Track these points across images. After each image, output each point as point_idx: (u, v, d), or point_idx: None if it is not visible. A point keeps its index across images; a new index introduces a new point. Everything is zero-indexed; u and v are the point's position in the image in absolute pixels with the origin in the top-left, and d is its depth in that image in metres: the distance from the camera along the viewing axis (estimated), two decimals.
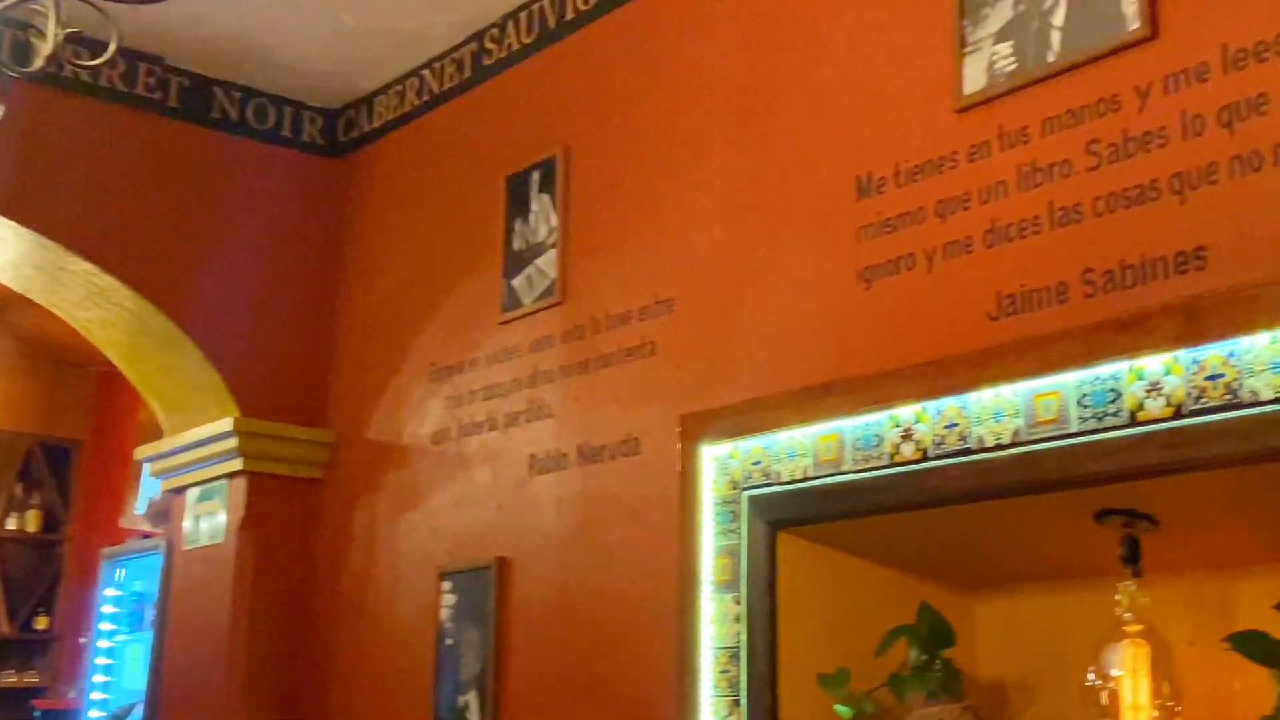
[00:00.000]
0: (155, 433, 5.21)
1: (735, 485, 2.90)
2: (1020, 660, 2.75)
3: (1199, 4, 2.26)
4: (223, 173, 4.45)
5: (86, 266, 4.16)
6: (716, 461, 2.97)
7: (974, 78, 2.59)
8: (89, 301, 4.38)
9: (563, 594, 3.39)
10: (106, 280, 4.20)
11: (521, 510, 3.58)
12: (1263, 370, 2.04)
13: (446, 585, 3.78)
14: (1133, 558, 2.40)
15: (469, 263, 3.96)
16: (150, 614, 5.37)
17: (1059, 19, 2.46)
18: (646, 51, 3.49)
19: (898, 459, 2.56)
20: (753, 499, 2.86)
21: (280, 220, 4.52)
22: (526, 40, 3.91)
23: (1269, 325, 2.03)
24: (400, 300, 4.24)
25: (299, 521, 4.37)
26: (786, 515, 2.79)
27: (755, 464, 2.87)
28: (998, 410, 2.41)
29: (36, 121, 4.05)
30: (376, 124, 4.51)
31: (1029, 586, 2.74)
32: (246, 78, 4.46)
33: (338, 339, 4.50)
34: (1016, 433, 2.37)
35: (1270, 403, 2.02)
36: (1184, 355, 2.14)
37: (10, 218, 4.01)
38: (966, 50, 2.61)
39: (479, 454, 3.78)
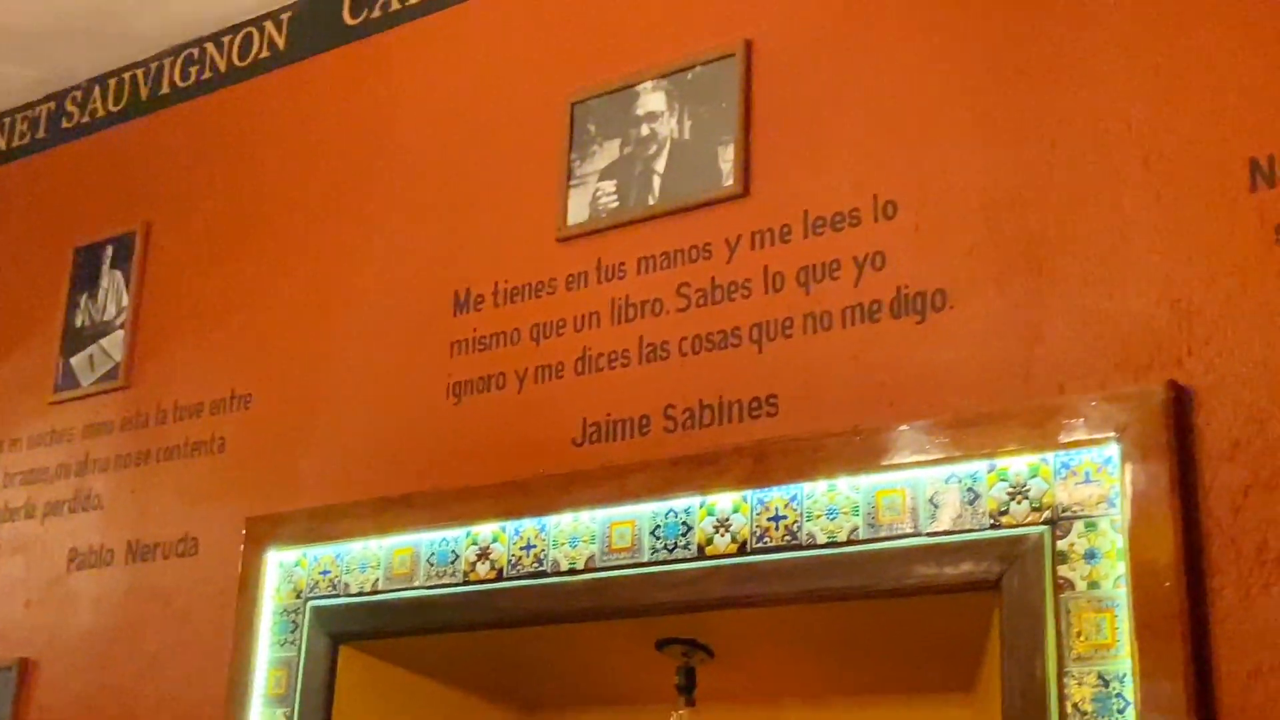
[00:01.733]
0: None
1: (299, 594, 2.80)
2: None
3: (787, 170, 2.44)
4: None
5: None
6: (281, 568, 2.85)
7: (578, 210, 2.68)
8: None
9: (96, 701, 3.11)
10: None
11: (54, 608, 3.28)
12: (820, 516, 2.19)
13: None
14: (688, 686, 2.49)
15: (20, 335, 3.65)
16: None
17: (661, 166, 2.59)
18: (244, 137, 3.38)
19: (472, 577, 2.55)
20: (316, 609, 2.76)
21: None
22: (114, 108, 3.70)
23: (828, 474, 2.19)
24: None
25: None
26: (351, 628, 2.71)
27: (323, 573, 2.78)
28: (575, 535, 2.46)
29: None
30: None
31: (589, 710, 2.79)
32: None
33: None
34: (591, 558, 2.42)
35: (824, 546, 2.17)
36: (751, 495, 2.27)
37: None
38: (573, 183, 2.70)
39: (9, 543, 3.45)
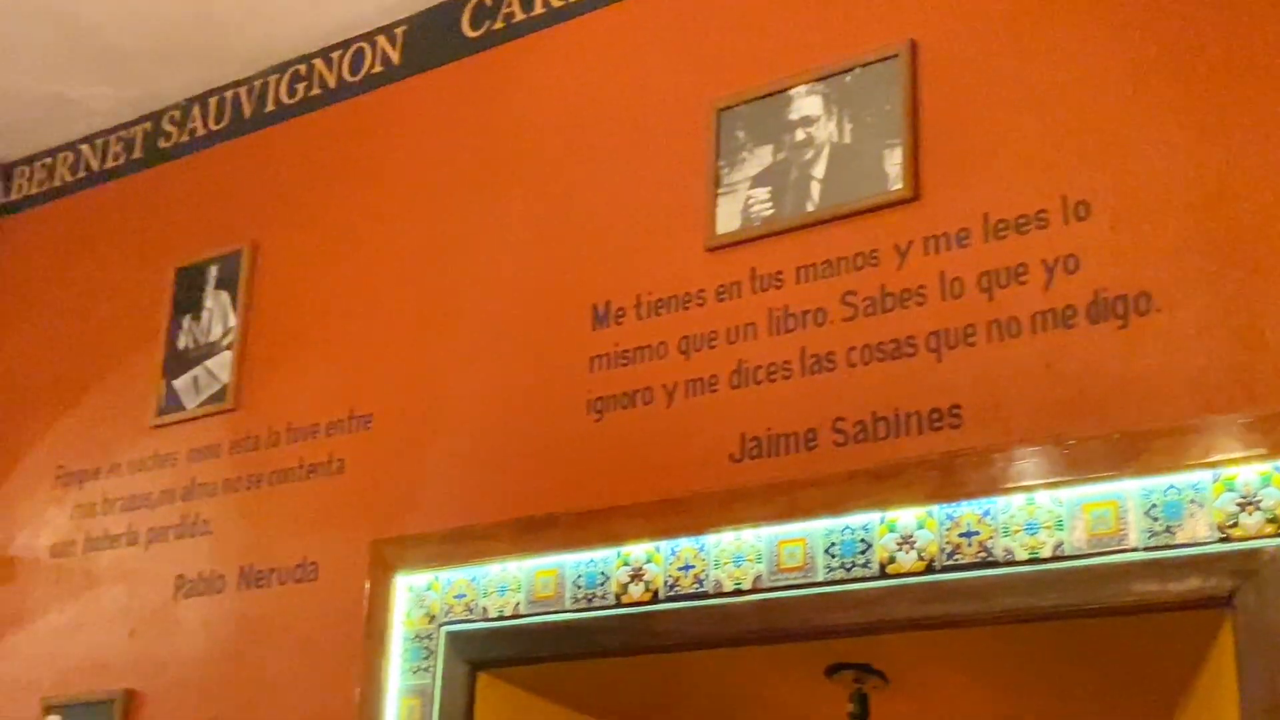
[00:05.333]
0: None
1: (432, 619, 2.69)
2: None
3: (961, 172, 2.35)
4: None
5: None
6: (411, 592, 2.74)
7: (727, 219, 2.58)
8: None
9: None
10: None
11: (161, 637, 3.17)
12: (1018, 530, 2.07)
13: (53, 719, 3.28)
14: (862, 714, 2.37)
15: (119, 357, 3.55)
16: None
17: (820, 171, 2.49)
18: (356, 153, 3.30)
19: (625, 599, 2.44)
20: (451, 635, 2.65)
21: None
22: (215, 126, 3.63)
23: (1026, 486, 2.07)
24: (23, 393, 3.74)
25: None
26: (491, 655, 2.60)
27: (458, 597, 2.67)
28: (738, 554, 2.35)
29: None
30: (14, 196, 4.03)
31: None
32: None
33: None
34: (758, 578, 2.31)
35: (1025, 563, 2.05)
36: (939, 510, 2.15)
37: None
38: (721, 191, 2.60)
39: (111, 571, 3.34)
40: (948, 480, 2.14)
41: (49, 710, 3.27)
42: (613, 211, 2.78)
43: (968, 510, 2.13)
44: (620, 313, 2.69)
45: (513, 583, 2.60)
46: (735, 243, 2.57)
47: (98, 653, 3.26)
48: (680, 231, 2.66)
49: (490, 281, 2.92)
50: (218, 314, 3.40)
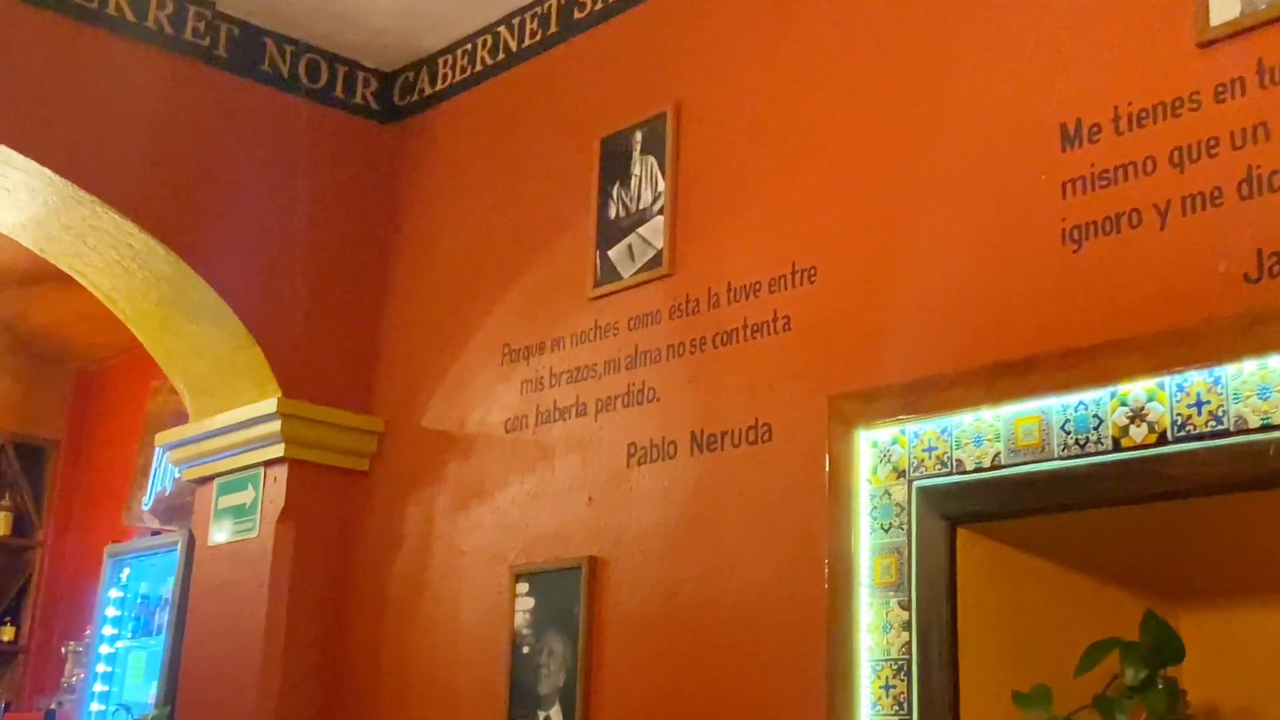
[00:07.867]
0: (158, 426, 4.84)
1: (900, 475, 2.54)
2: (1240, 685, 2.39)
3: None
4: (271, 132, 4.05)
5: (123, 224, 3.74)
6: (876, 448, 2.60)
7: (1223, 6, 2.25)
8: (119, 266, 3.95)
9: (670, 598, 3.00)
10: (143, 241, 3.79)
11: (617, 505, 3.19)
12: None
13: (523, 587, 3.37)
14: None
15: (552, 233, 3.58)
16: (160, 617, 4.93)
17: None
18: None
19: (1125, 443, 2.20)
20: (924, 490, 2.49)
21: (329, 187, 4.12)
22: None
23: None
24: (465, 277, 3.85)
25: (340, 516, 3.96)
26: (970, 509, 2.43)
27: (928, 450, 2.51)
28: (1264, 385, 2.06)
29: (78, 62, 3.67)
30: (440, 86, 4.12)
31: (1259, 599, 2.39)
32: (301, 31, 4.08)
33: (385, 319, 4.10)
34: None
35: None
36: None
37: (45, 164, 3.60)
38: None
39: (563, 442, 3.39)
40: None
41: (519, 578, 3.38)
42: (1077, 15, 2.48)
43: None
44: (1095, 129, 2.41)
45: (989, 432, 2.41)
46: (1236, 33, 2.24)
47: (558, 522, 3.33)
48: (1162, 28, 2.35)
49: (940, 113, 2.70)
50: (646, 180, 3.34)
